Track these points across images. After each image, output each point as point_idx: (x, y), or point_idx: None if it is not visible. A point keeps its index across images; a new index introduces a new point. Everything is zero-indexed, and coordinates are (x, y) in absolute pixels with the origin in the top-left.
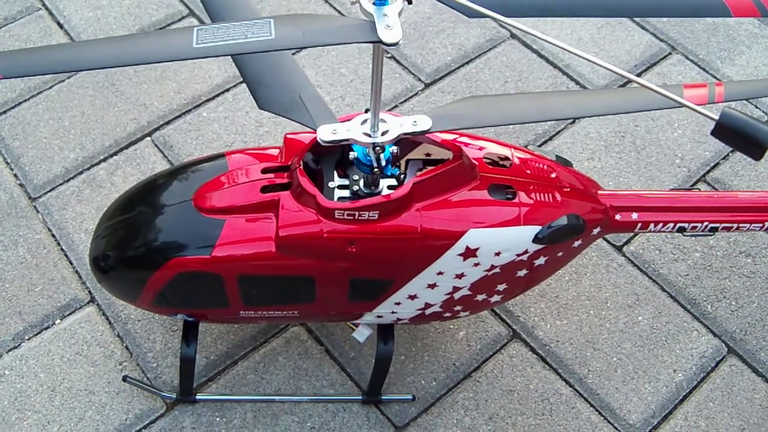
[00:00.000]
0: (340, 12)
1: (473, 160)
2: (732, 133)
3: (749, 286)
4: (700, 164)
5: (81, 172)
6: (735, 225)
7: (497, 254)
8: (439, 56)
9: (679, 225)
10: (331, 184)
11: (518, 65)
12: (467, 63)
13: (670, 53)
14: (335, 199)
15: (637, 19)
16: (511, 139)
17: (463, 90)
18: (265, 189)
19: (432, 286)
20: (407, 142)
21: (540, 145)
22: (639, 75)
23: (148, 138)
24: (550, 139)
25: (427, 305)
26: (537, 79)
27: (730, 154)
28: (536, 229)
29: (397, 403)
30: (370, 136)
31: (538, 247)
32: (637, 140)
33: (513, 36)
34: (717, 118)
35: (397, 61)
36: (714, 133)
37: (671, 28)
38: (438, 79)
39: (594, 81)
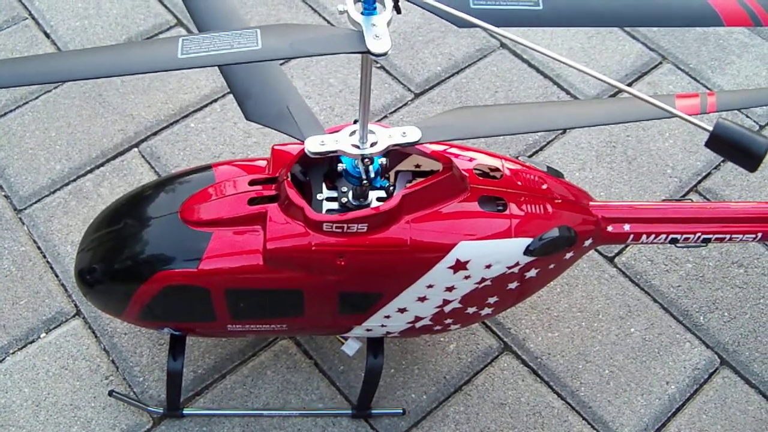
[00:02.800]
0: (329, 22)
1: (463, 172)
2: (726, 145)
3: (742, 296)
4: (691, 174)
5: (67, 184)
6: (728, 236)
7: (488, 267)
8: (429, 66)
9: (671, 236)
10: (319, 197)
11: (508, 75)
12: (457, 73)
13: (660, 63)
14: (323, 211)
15: (628, 29)
16: (501, 149)
17: (453, 100)
18: (252, 201)
19: (422, 299)
20: (396, 154)
21: (530, 156)
22: (630, 85)
23: (135, 149)
24: (541, 149)
25: (417, 318)
26: (527, 89)
27: (722, 164)
28: (527, 241)
29: (387, 417)
30: (358, 147)
31: (530, 259)
32: (628, 150)
33: (503, 46)
34: (711, 129)
35: (387, 71)
36: (708, 144)
37: (662, 37)
38: (428, 89)
39: (585, 91)
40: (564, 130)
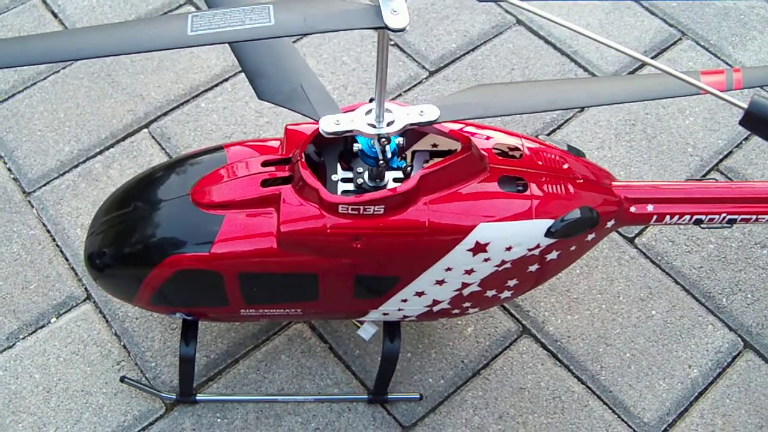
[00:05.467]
0: None
1: (482, 151)
2: (764, 123)
3: (765, 278)
4: (713, 153)
5: (76, 166)
6: (754, 216)
7: (508, 249)
8: (444, 43)
9: (696, 217)
10: (334, 177)
11: (525, 52)
12: (473, 50)
13: (680, 39)
14: (339, 192)
15: (646, 4)
16: (518, 128)
17: (468, 78)
18: (265, 183)
19: (440, 282)
20: (413, 133)
21: (549, 134)
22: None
23: (145, 130)
24: (559, 127)
25: (435, 302)
26: (544, 66)
27: (744, 142)
28: (548, 222)
29: (404, 402)
30: (375, 126)
31: (551, 241)
32: (648, 128)
33: (519, 22)
34: (746, 106)
35: (401, 49)
36: (743, 122)
37: (681, 12)
38: (443, 67)
39: (602, 68)
40: (582, 108)
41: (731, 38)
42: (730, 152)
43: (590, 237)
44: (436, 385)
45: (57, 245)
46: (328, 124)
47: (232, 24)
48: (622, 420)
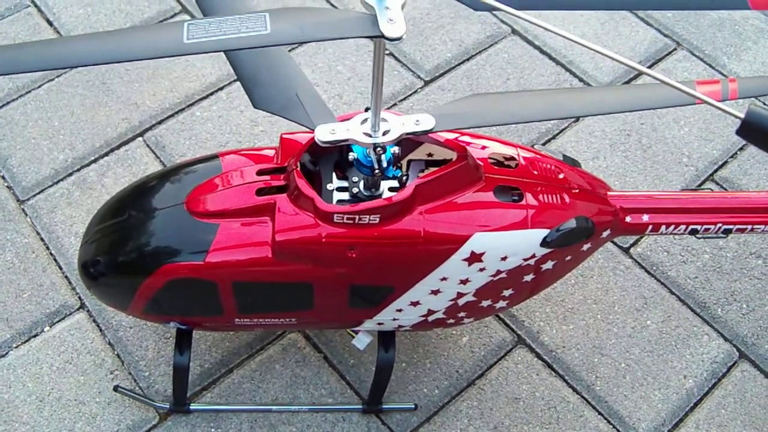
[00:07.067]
0: (335, 6)
1: (478, 161)
2: (760, 132)
3: (760, 288)
4: (707, 163)
5: (71, 174)
6: (749, 227)
7: (504, 259)
8: (439, 53)
9: (691, 227)
10: (329, 187)
11: (520, 62)
12: (468, 59)
13: (675, 49)
14: (334, 202)
15: (642, 15)
16: (513, 137)
17: (463, 87)
18: (260, 192)
19: (435, 292)
20: (409, 143)
21: (544, 144)
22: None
23: (140, 138)
24: (554, 137)
25: (430, 312)
26: (539, 76)
27: (739, 152)
28: (544, 232)
29: (399, 412)
30: (370, 136)
31: (546, 250)
32: (643, 138)
33: (514, 32)
34: (742, 116)
35: (396, 58)
36: (740, 132)
37: (676, 23)
38: (438, 77)
39: (598, 78)
40: (577, 118)
41: (726, 48)
42: (725, 162)
43: (586, 247)
44: (431, 395)
45: (51, 254)
46: (324, 133)
47: (228, 32)
48: (618, 430)
